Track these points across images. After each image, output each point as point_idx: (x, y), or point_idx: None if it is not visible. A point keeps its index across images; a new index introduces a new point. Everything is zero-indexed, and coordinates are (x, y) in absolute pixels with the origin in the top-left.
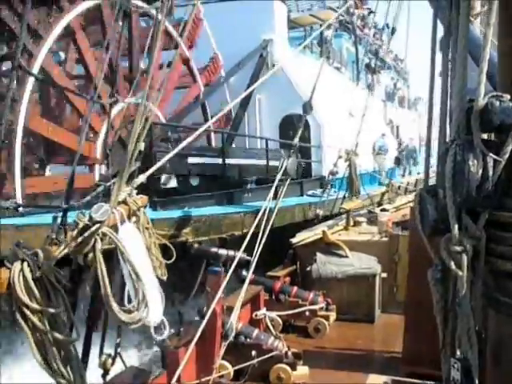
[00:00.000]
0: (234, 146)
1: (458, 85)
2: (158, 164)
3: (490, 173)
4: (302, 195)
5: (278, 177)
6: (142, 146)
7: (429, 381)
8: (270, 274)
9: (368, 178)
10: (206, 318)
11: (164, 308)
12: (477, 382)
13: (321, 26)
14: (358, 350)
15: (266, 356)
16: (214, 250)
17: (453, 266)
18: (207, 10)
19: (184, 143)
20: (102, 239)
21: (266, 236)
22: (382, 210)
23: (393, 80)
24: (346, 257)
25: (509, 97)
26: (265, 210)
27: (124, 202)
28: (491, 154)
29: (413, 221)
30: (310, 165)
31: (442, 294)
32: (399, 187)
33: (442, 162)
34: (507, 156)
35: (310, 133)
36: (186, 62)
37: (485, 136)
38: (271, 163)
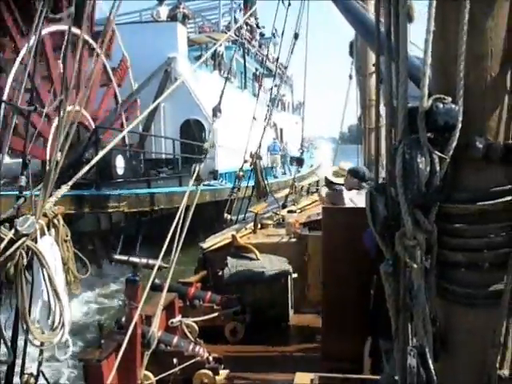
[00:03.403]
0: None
1: (402, 89)
2: (82, 171)
3: (437, 169)
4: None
5: (191, 182)
6: (58, 156)
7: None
8: (181, 280)
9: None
10: (130, 329)
11: None
12: (431, 366)
13: (214, 44)
14: (276, 351)
15: (188, 363)
16: (134, 259)
17: (408, 259)
18: (120, 30)
19: (110, 146)
20: (27, 253)
21: (185, 230)
22: (288, 212)
23: (276, 86)
24: (257, 259)
25: (450, 99)
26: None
27: (44, 213)
28: (437, 152)
29: (326, 220)
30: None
31: (394, 287)
32: (302, 188)
33: (391, 161)
34: (451, 153)
35: (206, 134)
36: (104, 67)
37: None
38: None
